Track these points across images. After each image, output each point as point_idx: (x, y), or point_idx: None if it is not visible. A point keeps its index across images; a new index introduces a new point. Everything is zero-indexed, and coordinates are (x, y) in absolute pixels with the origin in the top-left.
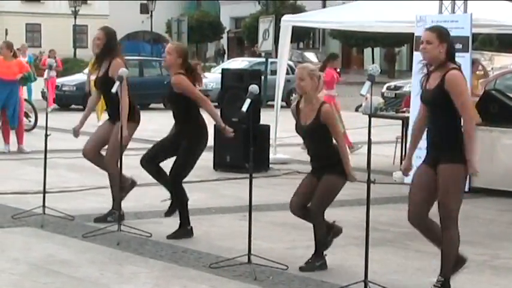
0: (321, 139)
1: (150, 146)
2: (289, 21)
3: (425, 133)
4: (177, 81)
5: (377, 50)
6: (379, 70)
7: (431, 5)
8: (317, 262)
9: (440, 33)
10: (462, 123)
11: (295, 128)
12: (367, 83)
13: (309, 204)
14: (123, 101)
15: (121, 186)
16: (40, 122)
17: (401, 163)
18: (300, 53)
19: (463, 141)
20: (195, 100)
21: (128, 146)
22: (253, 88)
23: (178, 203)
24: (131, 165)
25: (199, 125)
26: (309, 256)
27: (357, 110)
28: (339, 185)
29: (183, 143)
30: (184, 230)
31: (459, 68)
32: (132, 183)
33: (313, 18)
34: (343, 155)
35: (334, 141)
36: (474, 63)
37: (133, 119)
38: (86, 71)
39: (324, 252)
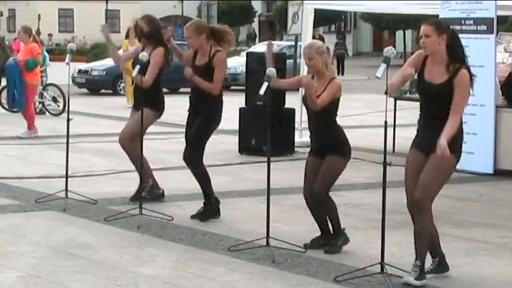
0: (326, 116)
1: (177, 129)
2: (311, 3)
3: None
4: (224, 59)
5: (408, 32)
6: (395, 52)
7: None
8: (339, 241)
9: (438, 25)
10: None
11: (302, 100)
12: (383, 66)
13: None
14: (145, 80)
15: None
16: (73, 107)
17: None
18: None
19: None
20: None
21: (156, 130)
22: (270, 71)
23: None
24: (158, 149)
25: (221, 98)
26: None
27: (386, 93)
28: (342, 165)
29: (198, 119)
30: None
31: (468, 68)
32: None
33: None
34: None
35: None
36: None
37: (157, 108)
38: (121, 51)
39: (343, 226)
